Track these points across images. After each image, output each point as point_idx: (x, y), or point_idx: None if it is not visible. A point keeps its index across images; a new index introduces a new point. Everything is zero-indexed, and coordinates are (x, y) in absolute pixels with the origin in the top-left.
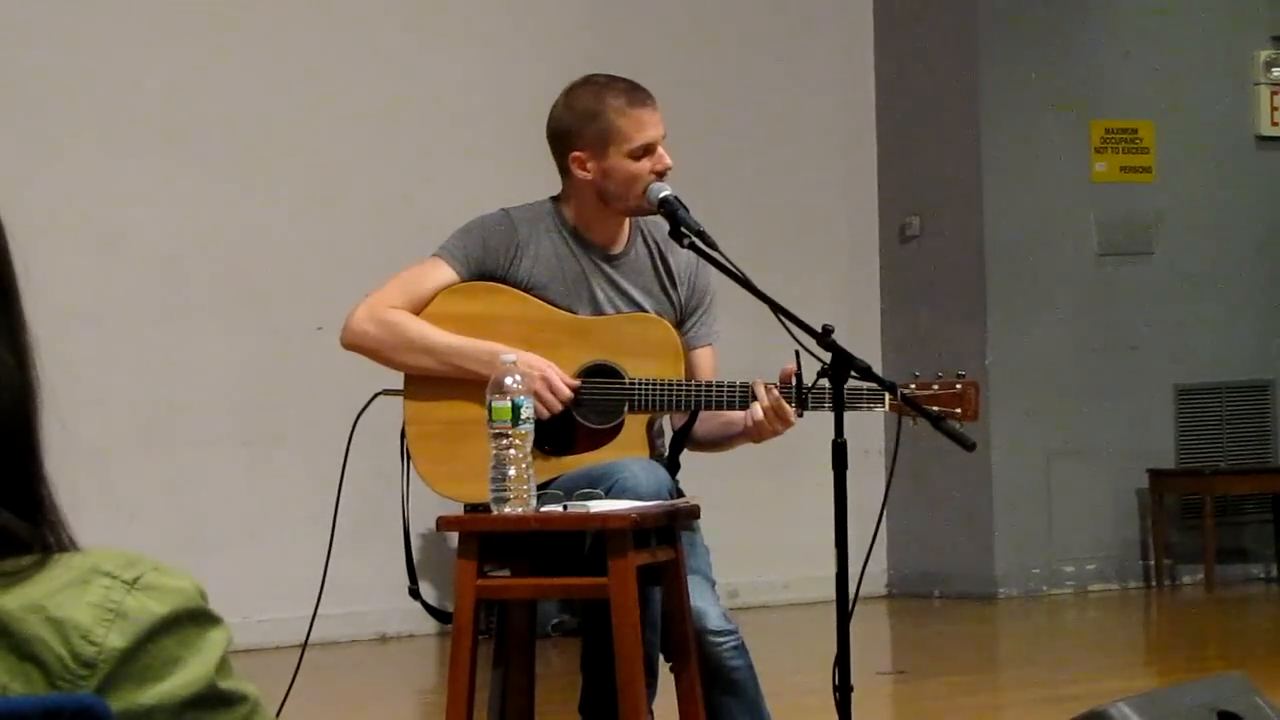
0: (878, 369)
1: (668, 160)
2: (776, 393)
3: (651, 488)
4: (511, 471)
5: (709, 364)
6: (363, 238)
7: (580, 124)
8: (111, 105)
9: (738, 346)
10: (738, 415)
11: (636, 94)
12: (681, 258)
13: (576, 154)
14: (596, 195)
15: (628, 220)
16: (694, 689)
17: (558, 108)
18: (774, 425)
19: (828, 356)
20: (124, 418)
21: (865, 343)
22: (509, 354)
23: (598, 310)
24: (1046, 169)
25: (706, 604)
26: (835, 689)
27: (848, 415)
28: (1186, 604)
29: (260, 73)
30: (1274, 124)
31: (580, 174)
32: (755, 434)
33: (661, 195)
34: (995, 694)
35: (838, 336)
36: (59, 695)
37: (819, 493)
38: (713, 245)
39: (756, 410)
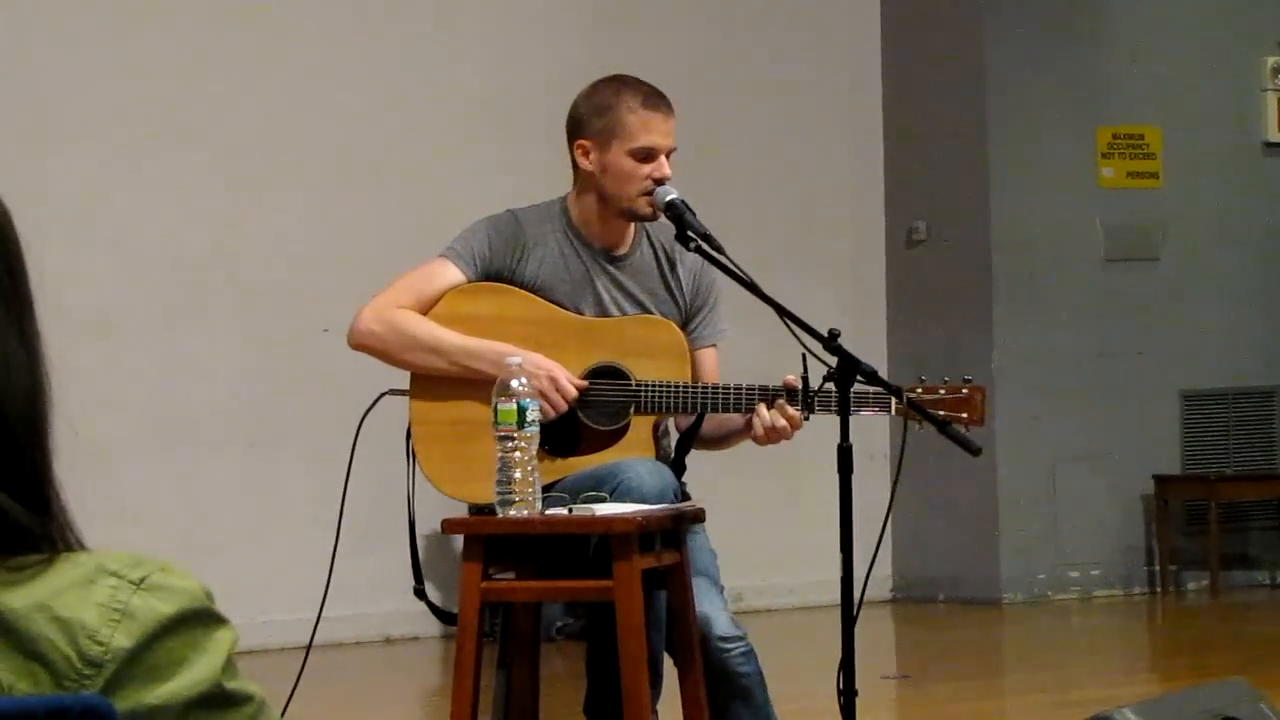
0: (883, 373)
1: (667, 170)
2: (783, 418)
3: (656, 490)
4: (517, 474)
5: (713, 364)
6: (369, 239)
7: (592, 114)
8: (118, 107)
9: (744, 350)
10: (739, 416)
11: (653, 99)
12: (687, 259)
13: (582, 142)
14: (596, 192)
15: (633, 222)
16: (698, 691)
17: (579, 96)
18: (774, 439)
19: (834, 361)
20: (130, 419)
21: (871, 347)
22: (516, 355)
23: (602, 311)
24: (1053, 174)
25: (714, 609)
26: (840, 693)
27: (854, 419)
28: (1191, 610)
29: (267, 75)
30: None
31: (583, 164)
32: (766, 439)
33: (668, 199)
34: (1000, 699)
35: (844, 341)
36: (65, 695)
37: (824, 497)
38: (719, 249)
39: (756, 425)
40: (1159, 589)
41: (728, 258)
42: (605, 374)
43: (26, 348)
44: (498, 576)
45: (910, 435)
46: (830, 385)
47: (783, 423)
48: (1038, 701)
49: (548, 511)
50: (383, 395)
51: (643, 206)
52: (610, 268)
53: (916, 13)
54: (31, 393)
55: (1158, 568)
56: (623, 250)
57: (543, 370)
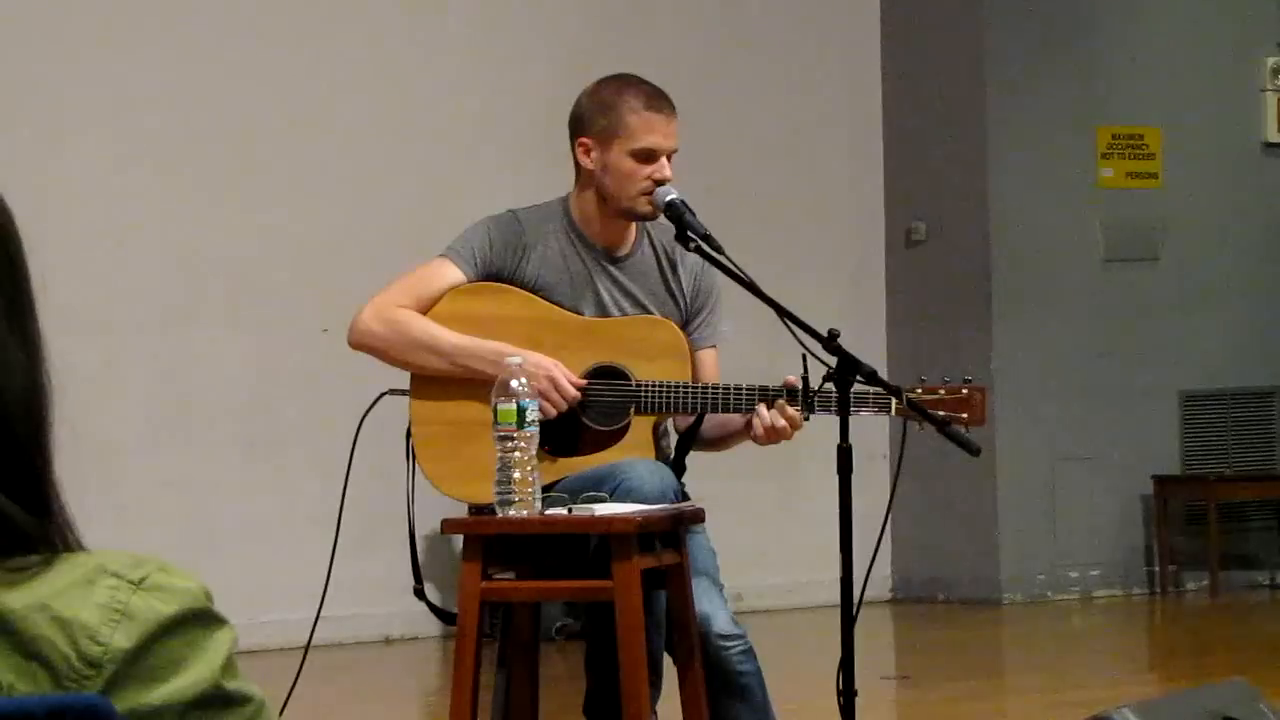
0: (883, 374)
1: (668, 172)
2: (783, 418)
3: (657, 490)
4: (516, 474)
5: (713, 365)
6: (369, 240)
7: (594, 113)
8: (120, 108)
9: (744, 350)
10: (740, 416)
11: (656, 99)
12: (688, 261)
13: (583, 140)
14: (596, 191)
15: (634, 222)
16: (698, 691)
17: (583, 94)
18: (774, 439)
19: (833, 361)
20: (130, 418)
21: (871, 347)
22: (515, 355)
23: (602, 311)
24: (1053, 174)
25: (714, 608)
26: (839, 693)
27: (853, 420)
28: (1191, 610)
29: (267, 76)
30: None
31: (584, 162)
32: (766, 440)
33: (668, 199)
34: (999, 699)
35: (843, 341)
36: (64, 695)
37: (824, 497)
38: (719, 249)
39: (756, 425)
40: (1158, 589)
41: (727, 258)
42: (605, 374)
43: (27, 350)
44: (497, 576)
45: (910, 435)
46: (830, 385)
47: (783, 423)
48: (1037, 702)
49: (547, 511)
50: (382, 395)
51: (642, 205)
52: (611, 268)
53: (916, 13)
54: (32, 395)
55: (1157, 568)
56: (624, 250)
57: (542, 370)
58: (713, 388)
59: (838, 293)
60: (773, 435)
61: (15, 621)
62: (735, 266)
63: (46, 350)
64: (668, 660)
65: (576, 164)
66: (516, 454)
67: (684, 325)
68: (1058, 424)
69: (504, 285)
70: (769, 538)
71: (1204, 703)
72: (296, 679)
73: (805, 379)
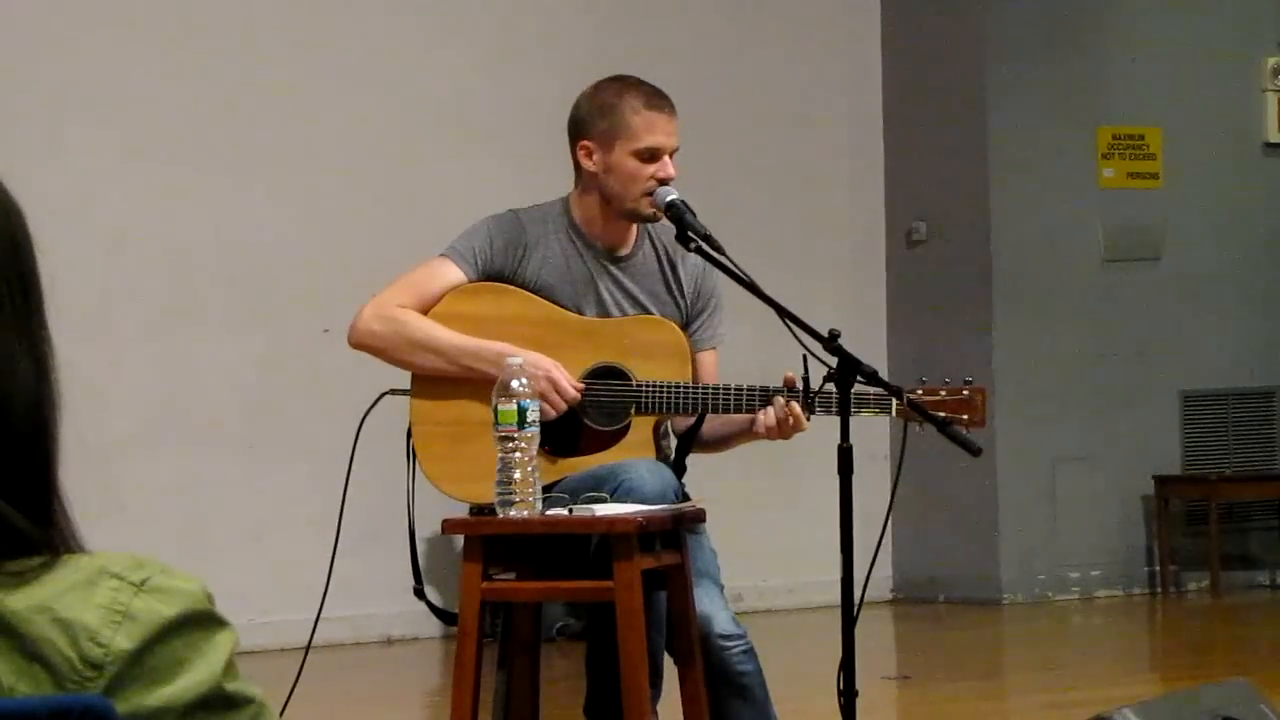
0: (884, 374)
1: (671, 170)
2: (795, 405)
3: (657, 490)
4: (517, 474)
5: (712, 367)
6: (369, 239)
7: (595, 115)
8: (119, 107)
9: (744, 350)
10: (742, 415)
11: (656, 99)
12: (689, 262)
13: (585, 143)
14: (599, 193)
15: (636, 223)
16: (699, 692)
17: (582, 97)
18: (787, 433)
19: (834, 361)
20: (130, 418)
21: (871, 348)
22: (515, 355)
23: (604, 311)
24: (1054, 174)
25: (715, 608)
26: (840, 693)
27: (854, 420)
28: (1191, 610)
29: (266, 75)
30: None
31: (586, 164)
32: (767, 436)
33: (669, 199)
34: (1000, 699)
35: (844, 341)
36: (65, 695)
37: (824, 497)
38: (719, 249)
39: (770, 417)
40: (1159, 589)
41: (728, 258)
42: (606, 374)
43: (34, 356)
44: (498, 577)
45: (911, 436)
46: (831, 386)
47: (790, 418)
48: (1037, 702)
49: (548, 512)
50: (383, 395)
51: (645, 207)
52: (612, 268)
53: (916, 13)
54: (38, 403)
55: (1158, 568)
56: (625, 251)
57: (541, 371)
58: (713, 388)
59: (838, 293)
60: (785, 427)
61: (17, 623)
62: (736, 267)
63: (55, 357)
64: (668, 660)
65: (577, 166)
66: (517, 454)
67: (684, 326)
68: (1058, 424)
69: (504, 285)
70: (769, 538)
71: (1204, 703)
72: (297, 679)
73: (806, 379)
